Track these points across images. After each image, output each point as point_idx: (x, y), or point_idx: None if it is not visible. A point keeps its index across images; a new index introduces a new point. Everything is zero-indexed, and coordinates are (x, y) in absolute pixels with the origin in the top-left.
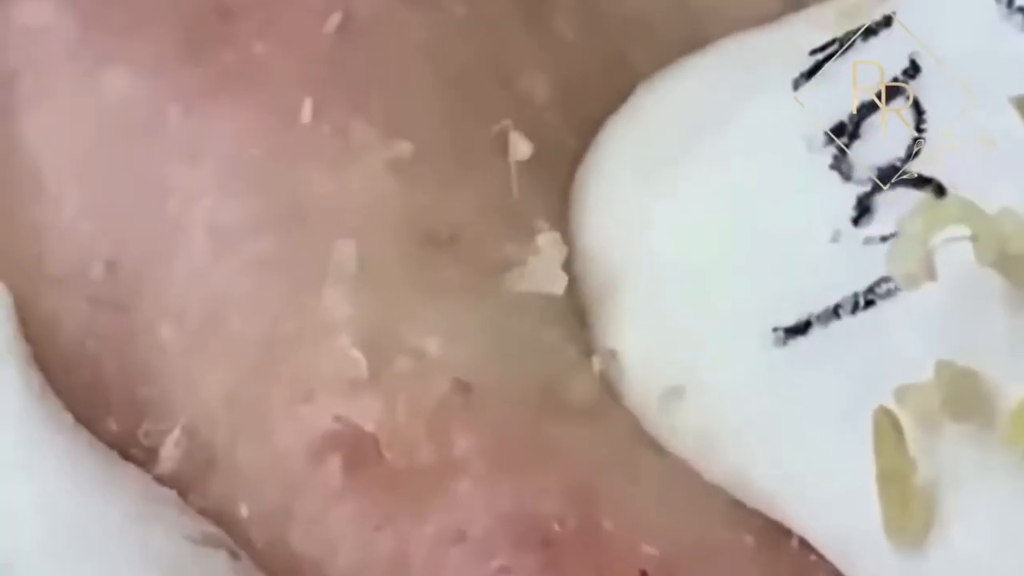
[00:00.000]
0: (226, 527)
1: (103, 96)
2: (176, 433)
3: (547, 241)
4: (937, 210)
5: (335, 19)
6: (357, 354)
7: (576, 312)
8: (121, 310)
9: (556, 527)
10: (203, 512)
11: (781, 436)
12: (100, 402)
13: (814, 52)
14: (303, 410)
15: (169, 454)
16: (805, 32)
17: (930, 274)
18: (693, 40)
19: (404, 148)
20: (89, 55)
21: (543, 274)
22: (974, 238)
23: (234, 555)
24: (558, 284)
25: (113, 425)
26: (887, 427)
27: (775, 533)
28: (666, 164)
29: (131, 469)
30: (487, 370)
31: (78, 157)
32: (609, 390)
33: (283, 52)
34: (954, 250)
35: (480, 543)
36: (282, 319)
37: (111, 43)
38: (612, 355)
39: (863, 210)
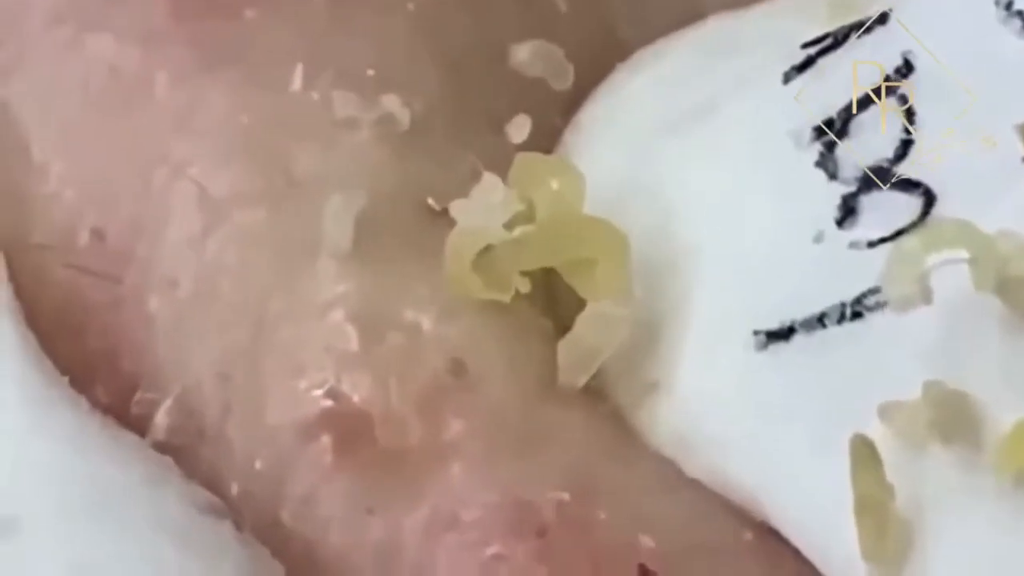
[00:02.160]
0: None
1: (89, 63)
2: (168, 403)
3: None
4: (935, 231)
5: None
6: (350, 328)
7: None
8: (108, 279)
9: (552, 515)
10: None
11: (759, 444)
12: (85, 372)
13: (806, 46)
14: (294, 386)
15: (161, 423)
16: (797, 23)
17: (926, 297)
18: (687, 14)
19: (397, 119)
20: (74, 21)
21: None
22: (972, 261)
23: (238, 526)
24: None
25: (101, 396)
26: (864, 453)
27: (774, 529)
28: (651, 149)
29: (131, 435)
30: (482, 349)
31: (64, 125)
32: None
33: (274, 19)
34: (950, 271)
35: (474, 529)
36: (273, 291)
37: (97, 9)
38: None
39: (848, 211)
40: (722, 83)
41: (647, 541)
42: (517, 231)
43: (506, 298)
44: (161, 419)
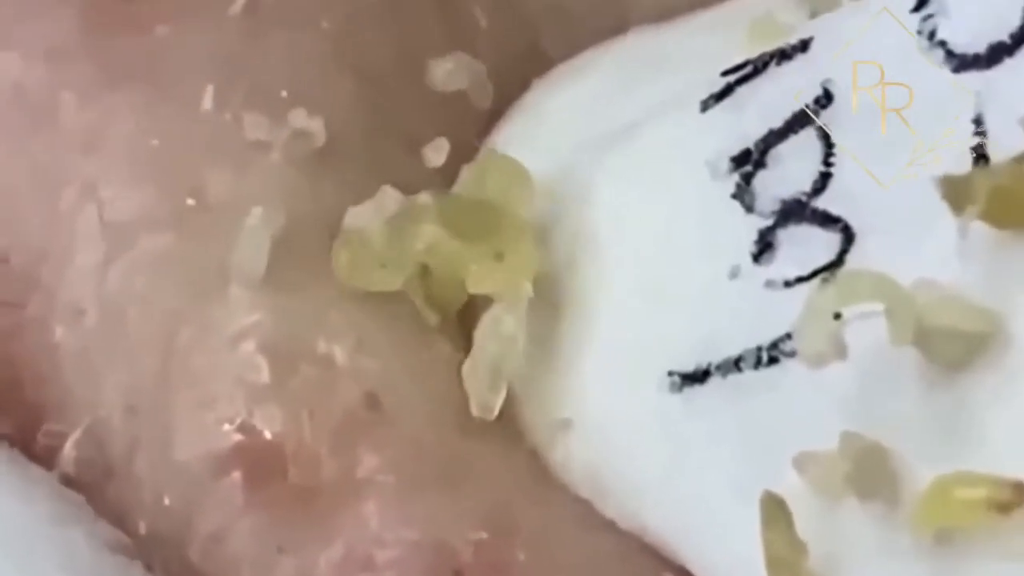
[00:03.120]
0: None
1: None
2: (76, 436)
3: None
4: (849, 284)
5: (240, 2)
6: (261, 360)
7: None
8: (11, 307)
9: (469, 557)
10: None
11: (675, 490)
12: None
13: (726, 73)
14: (204, 419)
15: (69, 457)
16: (718, 43)
17: (840, 353)
18: (614, 28)
19: (310, 141)
20: None
21: None
22: (889, 313)
23: (149, 567)
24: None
25: (5, 427)
26: (774, 511)
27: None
28: (568, 173)
29: (38, 470)
30: (398, 383)
31: None
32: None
33: (186, 36)
34: (868, 321)
35: (389, 570)
36: (183, 321)
37: (2, 27)
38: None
39: (765, 246)
40: (641, 106)
41: None
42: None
43: (397, 282)
44: (68, 453)
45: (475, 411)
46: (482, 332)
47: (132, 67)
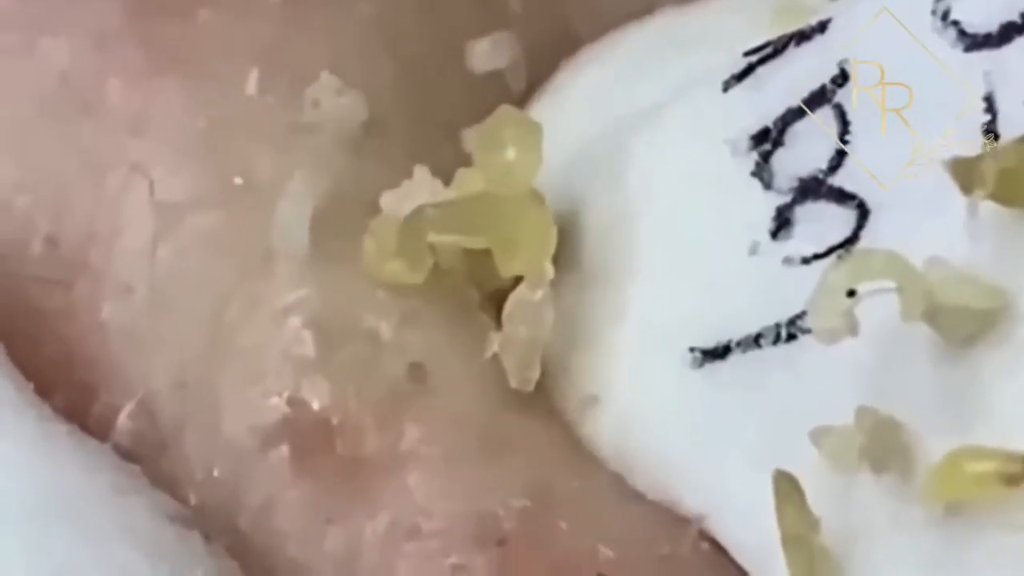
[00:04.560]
0: None
1: (41, 68)
2: (127, 411)
3: None
4: (861, 262)
5: None
6: (307, 335)
7: None
8: (61, 287)
9: (512, 525)
10: None
11: (697, 463)
12: (42, 381)
13: (748, 54)
14: (251, 393)
15: (123, 430)
16: (742, 24)
17: (852, 329)
18: (642, 9)
19: (354, 124)
20: (24, 27)
21: None
22: (900, 291)
23: (207, 537)
24: None
25: (59, 404)
26: (787, 489)
27: None
28: (594, 153)
29: (97, 442)
30: (442, 356)
31: (15, 130)
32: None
33: (229, 20)
34: (881, 298)
35: (434, 539)
36: (230, 297)
37: (49, 14)
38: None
39: (782, 222)
40: (666, 86)
41: (606, 551)
42: (436, 200)
43: (419, 278)
44: (123, 425)
45: (513, 384)
46: (510, 311)
47: (177, 51)
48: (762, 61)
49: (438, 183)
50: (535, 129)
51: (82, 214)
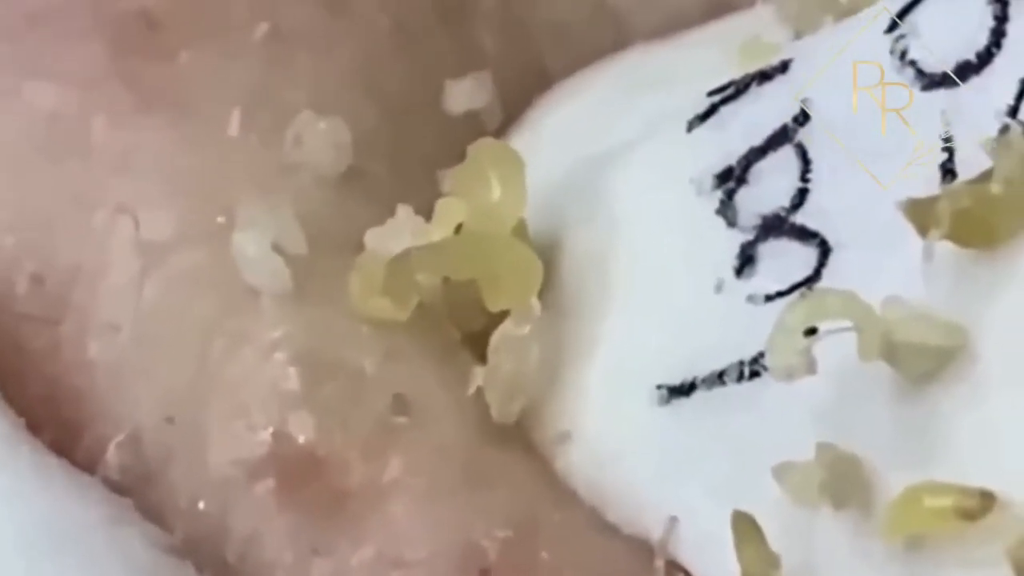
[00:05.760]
0: None
1: (27, 110)
2: (120, 438)
3: None
4: (817, 303)
5: (262, 28)
6: (292, 370)
7: None
8: (47, 324)
9: (496, 555)
10: None
11: (664, 496)
12: (29, 419)
13: (711, 93)
14: (237, 427)
15: (112, 462)
16: (709, 64)
17: (810, 368)
18: (614, 45)
19: (336, 164)
20: (10, 69)
21: None
22: (857, 330)
23: (199, 568)
24: None
25: (44, 440)
26: (746, 529)
27: None
28: (564, 191)
29: (88, 476)
30: (425, 389)
31: (1, 169)
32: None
33: (211, 61)
34: (838, 338)
35: (419, 569)
36: (215, 334)
37: (33, 56)
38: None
39: (746, 260)
40: (635, 123)
41: None
42: (420, 238)
43: (404, 315)
44: (111, 458)
45: (496, 417)
46: (495, 346)
47: (160, 92)
48: (725, 101)
49: (420, 220)
50: (518, 163)
51: (68, 252)
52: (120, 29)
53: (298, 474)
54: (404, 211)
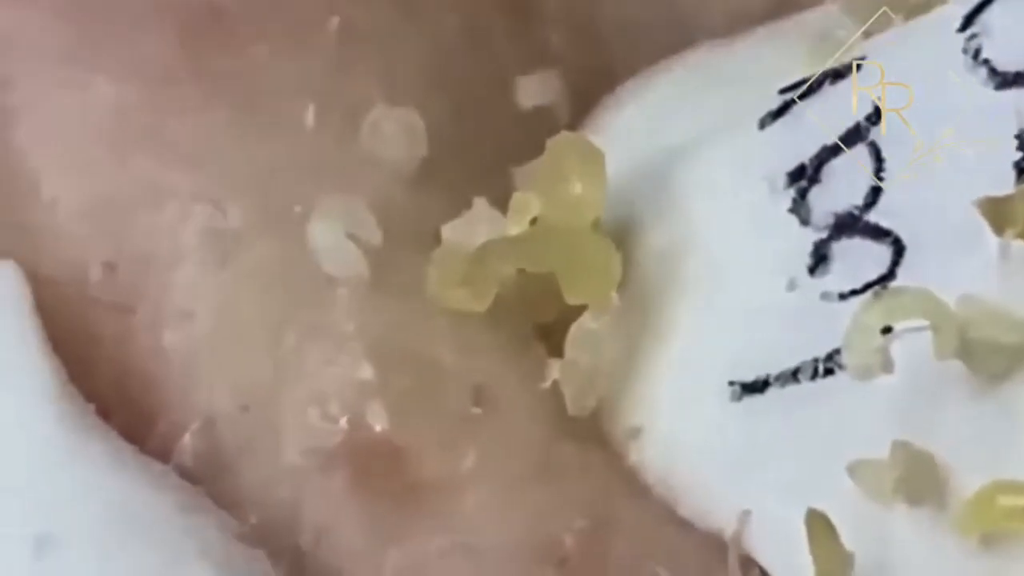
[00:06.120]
0: None
1: (98, 102)
2: (195, 426)
3: None
4: (894, 301)
5: (334, 23)
6: (368, 360)
7: None
8: (120, 311)
9: (572, 546)
10: None
11: (737, 493)
12: (99, 405)
13: (784, 91)
14: (312, 416)
15: (187, 449)
16: (778, 60)
17: (886, 367)
18: (680, 44)
19: (411, 155)
20: (84, 61)
21: None
22: (933, 329)
23: (273, 555)
24: None
25: (117, 426)
26: (819, 527)
27: None
28: (637, 188)
29: (160, 465)
30: (502, 381)
31: (73, 161)
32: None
33: (283, 56)
34: (914, 337)
35: (493, 560)
36: (291, 323)
37: (105, 49)
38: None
39: (819, 258)
40: (705, 121)
41: (663, 573)
42: (497, 230)
43: (483, 306)
44: (186, 445)
45: (571, 411)
46: (572, 339)
47: (232, 85)
48: (798, 99)
49: (497, 213)
50: (598, 158)
51: (141, 241)
52: (190, 23)
53: (373, 463)
54: (481, 204)
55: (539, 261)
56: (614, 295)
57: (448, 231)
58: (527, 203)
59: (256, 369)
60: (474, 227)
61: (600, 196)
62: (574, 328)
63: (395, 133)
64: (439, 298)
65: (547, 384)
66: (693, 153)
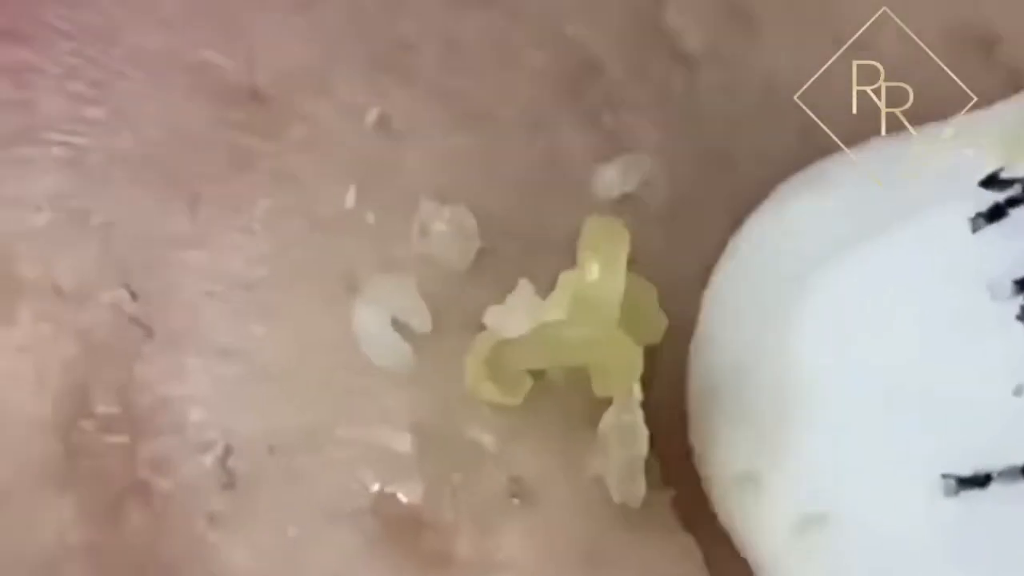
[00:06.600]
0: None
1: None
2: (218, 451)
3: None
4: None
5: (373, 114)
6: (409, 436)
7: None
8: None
9: None
10: None
11: None
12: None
13: (987, 186)
14: (343, 479)
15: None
16: (967, 150)
17: None
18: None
19: (464, 254)
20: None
21: None
22: None
23: None
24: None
25: None
26: None
27: None
28: (823, 276)
29: None
30: (545, 470)
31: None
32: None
33: (321, 139)
34: None
35: None
36: (334, 389)
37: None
38: (747, 475)
39: None
40: (890, 214)
41: None
42: (536, 317)
43: (516, 400)
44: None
45: (617, 500)
46: (603, 432)
47: (272, 165)
48: (1012, 203)
49: (538, 299)
50: (619, 242)
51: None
52: (224, 102)
53: (402, 528)
54: (524, 286)
55: (551, 358)
56: (637, 387)
57: (490, 317)
58: (571, 282)
59: (292, 419)
60: (514, 313)
61: (617, 282)
62: (604, 421)
63: (447, 230)
64: (474, 391)
65: (590, 476)
66: (884, 247)
